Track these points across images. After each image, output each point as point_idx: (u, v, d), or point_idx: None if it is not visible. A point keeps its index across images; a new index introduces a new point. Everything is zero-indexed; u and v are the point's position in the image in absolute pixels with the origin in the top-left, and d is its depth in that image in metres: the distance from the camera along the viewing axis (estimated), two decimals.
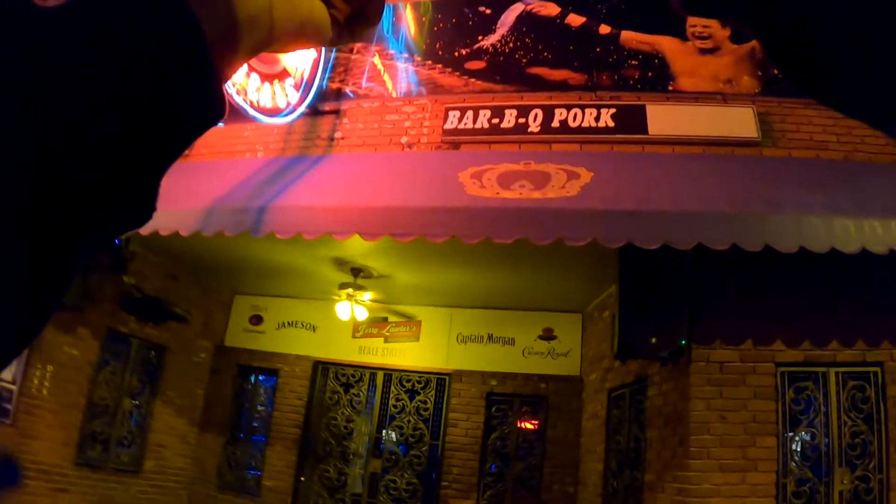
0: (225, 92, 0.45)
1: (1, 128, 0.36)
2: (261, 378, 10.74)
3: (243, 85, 5.95)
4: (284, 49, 0.51)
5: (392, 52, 7.53)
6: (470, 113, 6.68)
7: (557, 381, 8.84)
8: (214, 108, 0.44)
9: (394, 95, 7.26)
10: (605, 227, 4.63)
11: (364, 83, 7.53)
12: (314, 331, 10.44)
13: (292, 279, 9.53)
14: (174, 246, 9.11)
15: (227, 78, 0.46)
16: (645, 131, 6.01)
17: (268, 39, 0.47)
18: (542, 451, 8.61)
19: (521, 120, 6.41)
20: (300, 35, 0.50)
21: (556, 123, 6.27)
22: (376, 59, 7.59)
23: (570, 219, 4.77)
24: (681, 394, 5.77)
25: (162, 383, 9.76)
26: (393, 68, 7.44)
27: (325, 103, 7.58)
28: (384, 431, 9.67)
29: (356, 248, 7.71)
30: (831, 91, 0.43)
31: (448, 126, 6.73)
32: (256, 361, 10.63)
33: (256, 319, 10.92)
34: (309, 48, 0.56)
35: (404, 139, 6.91)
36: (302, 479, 9.55)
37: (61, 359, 8.29)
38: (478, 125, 6.59)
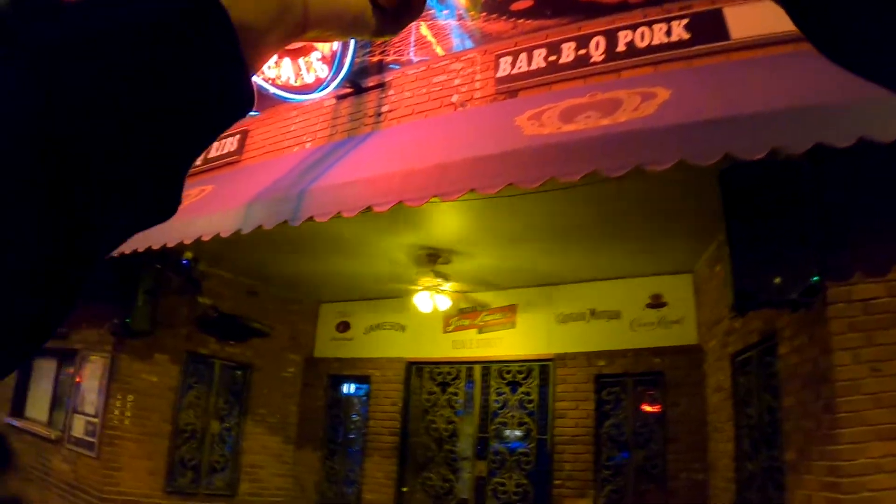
0: (253, 84, 0.44)
1: (21, 120, 0.36)
2: (353, 386, 10.20)
3: None
4: (323, 38, 0.50)
5: (432, 10, 6.76)
6: (523, 56, 5.81)
7: (673, 353, 7.71)
8: (241, 100, 0.43)
9: (439, 54, 6.48)
10: (694, 142, 3.65)
11: (409, 51, 6.81)
12: (403, 330, 9.82)
13: (372, 278, 8.93)
14: (248, 261, 8.74)
15: (258, 68, 0.45)
16: (726, 37, 4.93)
17: (301, 26, 0.46)
18: (663, 434, 7.51)
19: (582, 51, 5.48)
20: (337, 23, 0.49)
21: (621, 48, 5.30)
22: (424, 29, 6.86)
23: (649, 139, 3.82)
24: (819, 347, 4.64)
25: (251, 402, 9.39)
26: (435, 28, 6.68)
27: (368, 79, 6.92)
28: (488, 429, 8.83)
29: (429, 229, 7.04)
30: (858, 59, 0.43)
31: (501, 74, 5.89)
32: (347, 370, 10.13)
33: (344, 326, 10.44)
34: (352, 38, 0.54)
35: (455, 98, 6.11)
36: (404, 489, 8.89)
37: (140, 387, 8.03)
38: (533, 66, 5.71)
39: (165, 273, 8.31)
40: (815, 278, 4.24)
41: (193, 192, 7.31)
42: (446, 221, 6.82)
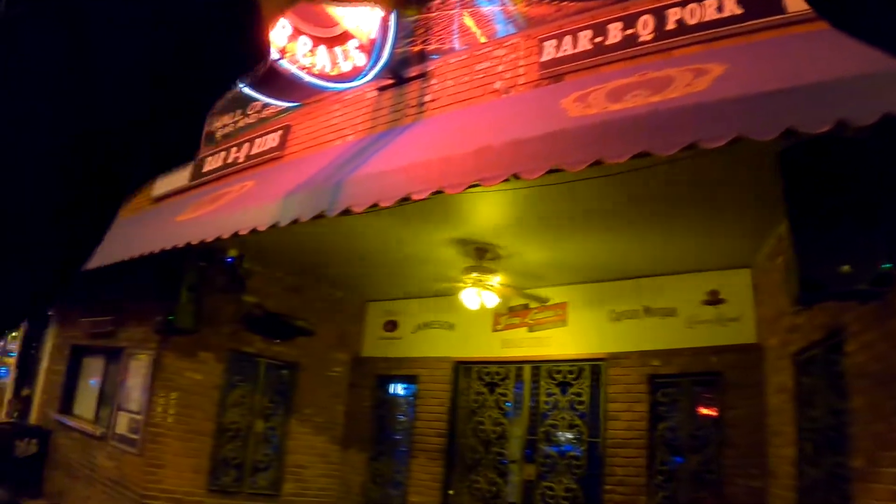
0: (265, 38, 0.47)
1: (53, 69, 0.37)
2: (400, 387, 10.04)
3: (290, 49, 5.16)
4: None
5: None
6: (568, 38, 5.56)
7: (731, 352, 7.30)
8: (255, 52, 0.46)
9: (482, 41, 6.27)
10: (752, 116, 3.36)
11: (451, 39, 6.62)
12: (452, 329, 9.62)
13: (419, 276, 8.78)
14: (294, 259, 8.67)
15: (270, 20, 0.47)
16: (781, 10, 4.56)
17: None
18: (720, 438, 7.09)
19: (629, 31, 5.20)
20: None
21: (671, 25, 5.00)
22: (465, 16, 6.67)
23: (703, 114, 3.54)
24: (891, 342, 4.25)
25: (297, 402, 9.31)
26: (477, 15, 6.47)
27: (409, 69, 6.75)
28: (537, 431, 8.54)
29: (476, 223, 6.84)
30: (861, 22, 0.47)
31: (545, 58, 5.65)
32: (394, 369, 9.99)
33: (391, 325, 10.30)
34: (372, 4, 0.60)
35: (498, 84, 5.89)
36: (450, 492, 8.67)
37: (184, 385, 8.01)
38: (579, 49, 5.45)
39: (210, 271, 8.29)
40: (886, 266, 3.88)
41: (234, 189, 7.25)
42: (493, 214, 6.61)
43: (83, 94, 0.38)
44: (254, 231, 5.66)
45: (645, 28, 5.13)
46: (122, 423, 8.10)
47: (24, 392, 11.25)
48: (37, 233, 0.38)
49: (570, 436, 8.32)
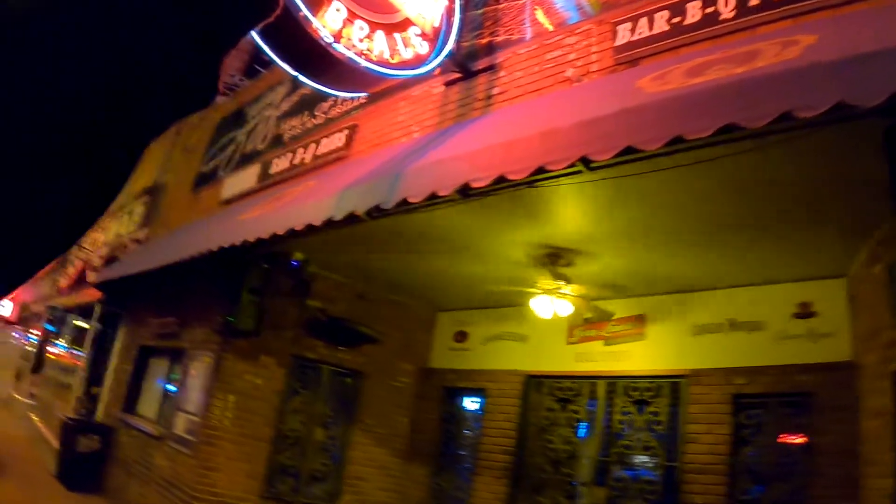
0: None
1: (92, 23, 0.40)
2: (467, 400, 9.67)
3: (346, 34, 4.94)
4: None
5: None
6: (643, 21, 5.17)
7: (823, 371, 6.57)
8: (266, 3, 0.50)
9: (551, 30, 5.94)
10: (852, 81, 2.90)
11: (521, 30, 6.32)
12: (524, 341, 9.19)
13: (490, 282, 8.38)
14: (362, 265, 8.47)
15: None
16: None
17: None
18: (808, 467, 6.37)
19: (709, 9, 4.77)
20: None
21: (754, 1, 4.54)
22: (536, 9, 6.36)
23: (796, 81, 3.10)
24: None
25: (359, 411, 9.07)
26: (545, 4, 6.15)
27: (476, 62, 6.48)
28: (610, 452, 7.99)
29: (549, 225, 6.43)
30: None
31: (619, 42, 5.27)
32: (462, 382, 9.62)
33: (461, 336, 9.97)
34: None
35: (569, 72, 5.54)
36: None
37: (243, 388, 7.87)
38: (655, 31, 5.05)
39: (274, 274, 8.17)
40: None
41: (298, 189, 7.12)
42: (567, 214, 6.18)
43: (110, 42, 0.40)
44: (309, 227, 5.47)
45: (726, 5, 4.69)
46: (180, 424, 8.06)
47: (94, 390, 11.48)
48: (65, 167, 0.41)
49: (645, 458, 7.73)
